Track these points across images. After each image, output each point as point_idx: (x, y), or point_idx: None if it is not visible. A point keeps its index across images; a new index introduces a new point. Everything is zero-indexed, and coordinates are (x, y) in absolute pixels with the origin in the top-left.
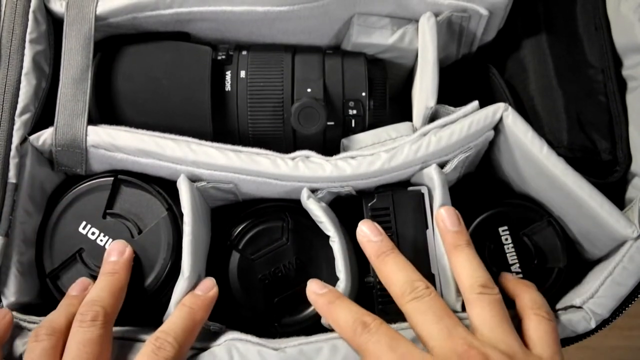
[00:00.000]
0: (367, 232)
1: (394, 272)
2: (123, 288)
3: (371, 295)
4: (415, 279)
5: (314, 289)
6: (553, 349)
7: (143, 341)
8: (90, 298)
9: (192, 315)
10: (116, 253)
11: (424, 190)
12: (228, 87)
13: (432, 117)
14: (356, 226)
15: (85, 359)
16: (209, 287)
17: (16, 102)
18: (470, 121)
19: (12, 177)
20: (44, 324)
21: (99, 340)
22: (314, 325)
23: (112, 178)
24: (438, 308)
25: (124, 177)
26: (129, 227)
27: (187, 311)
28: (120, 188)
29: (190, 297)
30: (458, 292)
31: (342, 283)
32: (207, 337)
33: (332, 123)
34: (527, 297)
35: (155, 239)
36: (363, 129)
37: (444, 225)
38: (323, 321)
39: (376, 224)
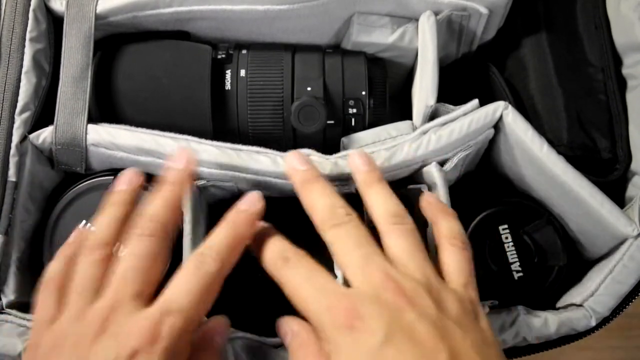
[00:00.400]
0: (294, 162)
1: (317, 199)
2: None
3: None
4: (338, 205)
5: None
6: (467, 278)
7: None
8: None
9: (235, 232)
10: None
11: (424, 188)
12: (228, 86)
13: (432, 116)
14: None
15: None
16: (253, 201)
17: (16, 101)
18: (470, 119)
19: (11, 175)
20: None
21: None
22: None
23: (112, 177)
24: (358, 235)
25: None
26: None
27: (230, 227)
28: None
29: (233, 213)
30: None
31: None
32: None
33: (332, 122)
34: (445, 225)
35: None
36: (363, 128)
37: (356, 166)
38: None
39: (305, 155)
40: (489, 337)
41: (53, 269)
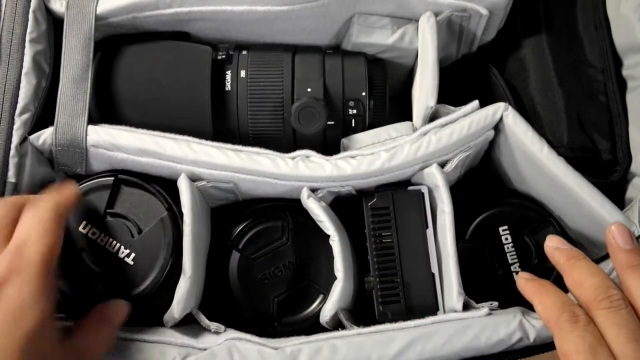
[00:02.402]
0: (556, 242)
1: (587, 276)
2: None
3: (371, 296)
4: (610, 285)
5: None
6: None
7: (144, 341)
8: None
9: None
10: None
11: (424, 189)
12: (228, 87)
13: (432, 117)
14: (356, 225)
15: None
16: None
17: (16, 102)
18: (471, 121)
19: (11, 176)
20: None
21: None
22: (314, 325)
23: (113, 178)
24: (634, 324)
25: (124, 177)
26: (129, 226)
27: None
28: (120, 188)
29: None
30: (459, 293)
31: (340, 282)
32: (207, 336)
33: (332, 123)
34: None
35: (155, 238)
36: (363, 129)
37: (615, 242)
38: (322, 320)
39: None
40: None
41: None
